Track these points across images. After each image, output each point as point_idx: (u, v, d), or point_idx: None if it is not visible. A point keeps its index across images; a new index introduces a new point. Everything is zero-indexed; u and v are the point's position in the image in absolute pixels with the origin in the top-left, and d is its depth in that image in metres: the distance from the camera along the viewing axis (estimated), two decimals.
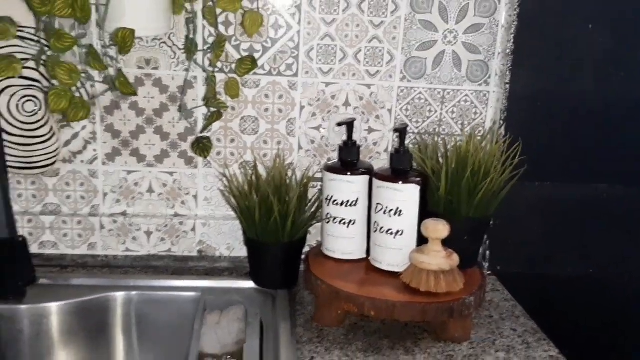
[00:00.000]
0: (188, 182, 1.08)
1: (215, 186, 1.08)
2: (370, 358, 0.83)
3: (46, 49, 0.88)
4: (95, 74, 0.97)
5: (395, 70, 1.05)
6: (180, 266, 1.09)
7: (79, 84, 0.90)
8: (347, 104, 1.06)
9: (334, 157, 1.08)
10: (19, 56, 0.86)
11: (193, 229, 1.08)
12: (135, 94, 0.95)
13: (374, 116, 1.07)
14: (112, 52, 0.94)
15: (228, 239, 1.09)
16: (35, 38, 0.90)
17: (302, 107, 1.06)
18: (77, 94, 0.88)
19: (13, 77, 0.89)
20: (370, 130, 1.07)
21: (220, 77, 1.01)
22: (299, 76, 1.04)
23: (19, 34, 0.88)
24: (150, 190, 1.07)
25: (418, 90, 1.06)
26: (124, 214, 1.07)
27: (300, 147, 1.08)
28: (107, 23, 0.83)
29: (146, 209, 1.08)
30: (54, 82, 0.91)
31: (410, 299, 0.83)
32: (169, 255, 1.09)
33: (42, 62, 0.87)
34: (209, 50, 0.98)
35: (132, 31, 0.79)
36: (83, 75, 0.89)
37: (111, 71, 0.94)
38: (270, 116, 1.06)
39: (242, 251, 1.09)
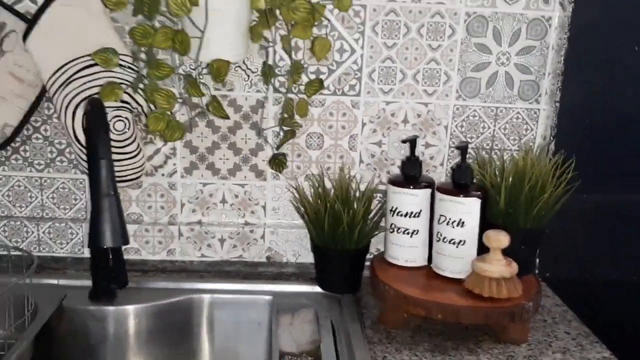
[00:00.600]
0: (258, 193, 1.16)
1: (282, 197, 1.17)
2: (438, 358, 0.90)
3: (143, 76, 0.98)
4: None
5: (452, 90, 1.13)
6: (250, 271, 1.18)
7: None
8: (405, 121, 1.14)
9: (393, 170, 1.16)
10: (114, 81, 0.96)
11: (262, 237, 1.17)
12: (227, 117, 1.04)
13: (431, 132, 1.14)
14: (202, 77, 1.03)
15: (294, 246, 1.18)
16: (134, 66, 0.99)
17: (363, 124, 1.14)
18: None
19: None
20: (427, 146, 1.15)
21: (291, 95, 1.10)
22: (361, 95, 1.13)
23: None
24: (224, 201, 1.16)
25: (472, 108, 1.14)
26: (199, 222, 1.17)
27: (361, 161, 1.16)
28: (197, 52, 0.92)
29: (219, 218, 1.17)
30: (140, 102, 1.01)
31: (475, 304, 0.91)
32: (240, 260, 1.18)
33: (139, 88, 0.96)
34: (283, 75, 1.07)
35: (227, 63, 0.88)
36: (180, 100, 0.98)
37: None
38: (334, 132, 1.14)
39: (307, 258, 1.17)
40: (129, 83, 0.97)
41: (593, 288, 1.17)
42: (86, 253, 1.15)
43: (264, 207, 1.17)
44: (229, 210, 1.17)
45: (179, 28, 0.92)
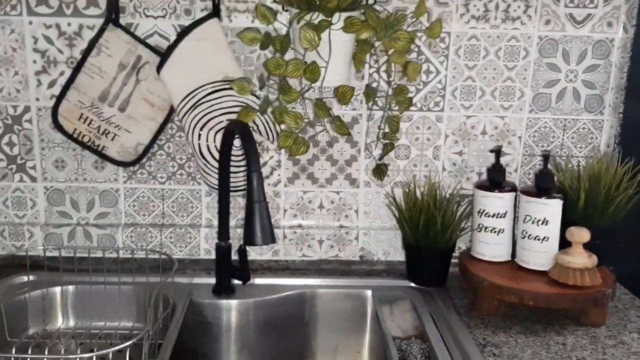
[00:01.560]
0: (351, 199, 1.31)
1: (373, 202, 1.32)
2: (531, 338, 1.04)
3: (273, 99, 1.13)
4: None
5: (525, 104, 1.27)
6: (345, 269, 1.32)
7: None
8: (484, 132, 1.28)
9: (472, 177, 1.30)
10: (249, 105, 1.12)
11: (356, 238, 1.32)
12: (349, 134, 1.20)
13: (507, 142, 1.29)
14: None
15: (384, 246, 1.32)
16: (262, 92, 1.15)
17: (446, 136, 1.29)
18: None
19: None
20: (504, 154, 1.29)
21: (379, 113, 1.25)
22: (445, 111, 1.27)
23: None
24: (321, 206, 1.31)
25: (544, 120, 1.28)
26: (300, 226, 1.32)
27: (444, 169, 1.30)
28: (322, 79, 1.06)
29: (318, 222, 1.32)
30: (256, 122, 1.16)
31: (563, 291, 1.05)
32: (336, 259, 1.32)
33: (267, 110, 1.11)
34: (385, 96, 1.21)
35: (352, 88, 1.04)
36: (306, 120, 1.14)
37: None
38: (420, 144, 1.29)
39: (395, 256, 1.32)
40: (257, 106, 1.13)
41: None
42: (202, 254, 1.31)
43: (356, 212, 1.32)
44: (326, 214, 1.32)
45: (299, 58, 1.07)
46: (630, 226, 1.28)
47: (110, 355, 0.95)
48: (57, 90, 1.21)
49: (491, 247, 1.17)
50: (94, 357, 1.04)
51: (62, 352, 1.13)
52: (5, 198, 1.28)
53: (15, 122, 1.24)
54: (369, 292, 1.23)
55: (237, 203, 1.30)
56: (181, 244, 1.30)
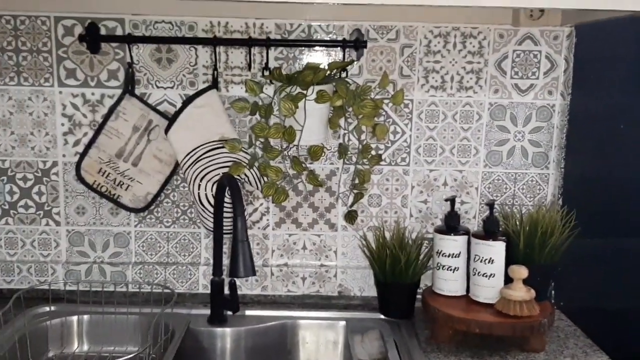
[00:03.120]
0: (330, 241, 1.51)
1: (350, 244, 1.51)
2: None
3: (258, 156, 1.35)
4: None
5: (480, 160, 1.47)
6: (325, 303, 1.50)
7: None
8: (445, 184, 1.48)
9: (436, 222, 1.49)
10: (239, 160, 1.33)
11: (335, 275, 1.50)
12: (321, 185, 1.41)
13: (465, 192, 1.48)
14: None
15: (360, 283, 1.51)
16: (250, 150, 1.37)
17: (412, 187, 1.49)
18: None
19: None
20: (463, 203, 1.48)
21: (353, 166, 1.45)
22: (410, 165, 1.48)
23: None
24: (304, 247, 1.51)
25: (497, 174, 1.48)
26: (286, 264, 1.51)
27: (411, 215, 1.50)
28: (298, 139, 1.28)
29: (301, 261, 1.51)
30: (247, 174, 1.37)
31: (504, 320, 1.22)
32: (317, 294, 1.51)
33: (254, 165, 1.33)
34: (351, 152, 1.42)
35: (322, 147, 1.25)
36: (293, 172, 1.35)
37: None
38: (389, 193, 1.49)
39: (370, 292, 1.50)
40: (246, 162, 1.34)
41: (598, 313, 1.47)
42: (200, 289, 1.50)
43: (335, 252, 1.51)
44: (308, 254, 1.51)
45: (280, 122, 1.29)
46: (579, 265, 1.47)
47: None
48: (80, 148, 1.44)
49: (448, 283, 1.35)
50: None
51: None
52: (33, 239, 1.49)
53: (44, 175, 1.47)
54: (343, 323, 1.40)
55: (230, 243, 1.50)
56: (182, 279, 1.50)
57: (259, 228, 1.50)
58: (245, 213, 1.42)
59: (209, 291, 1.46)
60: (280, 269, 1.50)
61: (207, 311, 1.41)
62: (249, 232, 1.49)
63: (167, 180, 1.44)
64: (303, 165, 1.34)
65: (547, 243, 1.28)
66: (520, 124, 1.46)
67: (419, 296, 1.42)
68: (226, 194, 1.36)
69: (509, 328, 1.22)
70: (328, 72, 1.30)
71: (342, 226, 1.50)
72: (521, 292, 1.23)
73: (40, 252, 1.50)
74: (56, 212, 1.48)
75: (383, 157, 1.46)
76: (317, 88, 1.26)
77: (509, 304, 1.23)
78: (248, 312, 1.44)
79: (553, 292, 1.47)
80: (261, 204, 1.49)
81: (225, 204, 1.34)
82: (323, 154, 1.32)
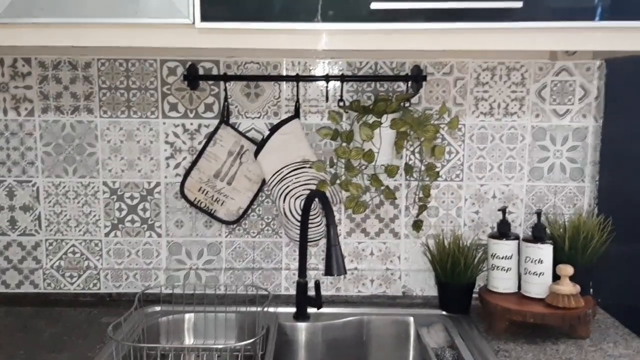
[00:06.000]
0: (394, 248, 1.73)
1: (411, 250, 1.73)
2: (532, 346, 1.42)
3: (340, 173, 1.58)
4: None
5: (524, 176, 1.70)
6: (391, 302, 1.72)
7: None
8: (494, 196, 1.71)
9: (486, 230, 1.71)
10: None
11: (399, 278, 1.73)
12: (395, 198, 1.63)
13: (511, 203, 1.71)
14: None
15: (421, 284, 1.73)
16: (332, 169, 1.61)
17: (465, 200, 1.71)
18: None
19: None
20: (509, 213, 1.71)
21: (414, 183, 1.68)
22: (464, 180, 1.70)
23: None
24: (372, 254, 1.73)
25: (539, 187, 1.70)
26: (356, 269, 1.73)
27: (465, 224, 1.72)
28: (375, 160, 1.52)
29: (369, 265, 1.74)
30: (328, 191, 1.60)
31: (555, 312, 1.44)
32: (384, 295, 1.73)
33: (336, 182, 1.57)
34: (418, 171, 1.65)
35: (397, 166, 1.48)
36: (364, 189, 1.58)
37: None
38: (445, 206, 1.71)
39: (430, 291, 1.72)
40: (327, 180, 1.58)
41: (633, 308, 1.67)
42: (282, 291, 1.73)
43: (399, 258, 1.73)
44: (375, 260, 1.73)
45: (359, 145, 1.53)
46: (615, 266, 1.68)
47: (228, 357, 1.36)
48: (180, 170, 1.68)
49: (502, 281, 1.57)
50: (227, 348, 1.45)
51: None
52: (138, 249, 1.73)
53: (149, 194, 1.71)
54: (411, 318, 1.62)
55: (310, 251, 1.73)
56: (267, 283, 1.73)
57: None
58: (322, 224, 1.66)
59: (290, 292, 1.70)
60: (351, 273, 1.72)
61: (291, 309, 1.64)
62: (324, 240, 1.72)
63: (255, 197, 1.68)
64: (381, 182, 1.57)
65: (588, 246, 1.50)
66: (559, 144, 1.68)
67: (474, 295, 1.64)
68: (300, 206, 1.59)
69: (559, 318, 1.43)
70: (397, 103, 1.54)
71: (404, 234, 1.72)
72: (568, 287, 1.45)
73: (144, 260, 1.73)
74: (158, 226, 1.72)
75: (440, 173, 1.69)
76: (390, 116, 1.50)
77: (558, 297, 1.45)
78: (326, 310, 1.66)
79: (592, 290, 1.68)
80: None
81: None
82: (397, 172, 1.55)
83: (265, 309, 1.55)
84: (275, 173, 1.63)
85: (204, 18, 1.21)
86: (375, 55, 1.65)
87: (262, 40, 1.27)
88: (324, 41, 1.26)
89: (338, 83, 1.64)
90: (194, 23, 1.22)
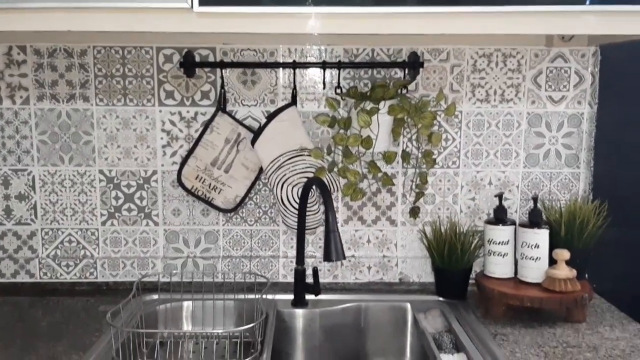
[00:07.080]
0: (391, 235, 1.74)
1: (408, 237, 1.74)
2: (529, 330, 1.44)
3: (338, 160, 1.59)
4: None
5: (520, 162, 1.71)
6: (388, 288, 1.73)
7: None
8: (490, 183, 1.71)
9: (482, 216, 1.72)
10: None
11: (396, 265, 1.73)
12: (393, 184, 1.63)
13: (507, 190, 1.72)
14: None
15: (417, 271, 1.73)
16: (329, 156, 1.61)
17: (462, 186, 1.72)
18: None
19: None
20: (505, 199, 1.71)
21: (411, 170, 1.69)
22: (460, 168, 1.71)
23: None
24: (369, 241, 1.74)
25: (535, 173, 1.71)
26: (353, 256, 1.74)
27: (461, 211, 1.73)
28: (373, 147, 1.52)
29: (366, 253, 1.74)
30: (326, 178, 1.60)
31: (552, 296, 1.45)
32: (381, 281, 1.74)
33: (334, 169, 1.57)
34: (415, 158, 1.66)
35: (395, 153, 1.49)
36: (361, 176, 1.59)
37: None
38: (442, 193, 1.72)
39: (427, 278, 1.73)
40: (325, 167, 1.58)
41: (627, 293, 1.69)
42: (280, 278, 1.73)
43: (395, 245, 1.74)
44: (372, 247, 1.74)
45: (356, 132, 1.53)
46: (610, 251, 1.69)
47: (227, 346, 1.36)
48: (177, 158, 1.68)
49: (499, 266, 1.58)
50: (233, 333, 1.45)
51: (190, 347, 1.55)
52: (135, 238, 1.73)
53: (145, 182, 1.70)
54: (408, 305, 1.63)
55: (307, 239, 1.73)
56: (264, 270, 1.73)
57: None
58: (320, 212, 1.66)
59: (288, 280, 1.70)
60: (348, 260, 1.73)
61: (289, 296, 1.64)
62: (320, 228, 1.72)
63: (252, 185, 1.68)
64: (379, 168, 1.58)
65: (584, 230, 1.51)
66: (554, 130, 1.69)
67: (471, 281, 1.65)
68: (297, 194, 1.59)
69: (556, 302, 1.45)
70: (395, 89, 1.54)
71: (401, 222, 1.73)
72: (565, 271, 1.46)
73: (141, 249, 1.73)
74: (155, 214, 1.72)
75: (437, 161, 1.70)
76: (388, 103, 1.50)
77: (555, 281, 1.46)
78: (324, 297, 1.66)
79: (587, 275, 1.69)
80: None
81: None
82: (395, 159, 1.56)
83: (264, 296, 1.55)
84: (273, 161, 1.62)
85: (202, 2, 1.21)
86: (371, 42, 1.65)
87: (258, 25, 1.27)
88: (316, 25, 1.26)
89: (335, 70, 1.64)
90: (192, 7, 1.22)
